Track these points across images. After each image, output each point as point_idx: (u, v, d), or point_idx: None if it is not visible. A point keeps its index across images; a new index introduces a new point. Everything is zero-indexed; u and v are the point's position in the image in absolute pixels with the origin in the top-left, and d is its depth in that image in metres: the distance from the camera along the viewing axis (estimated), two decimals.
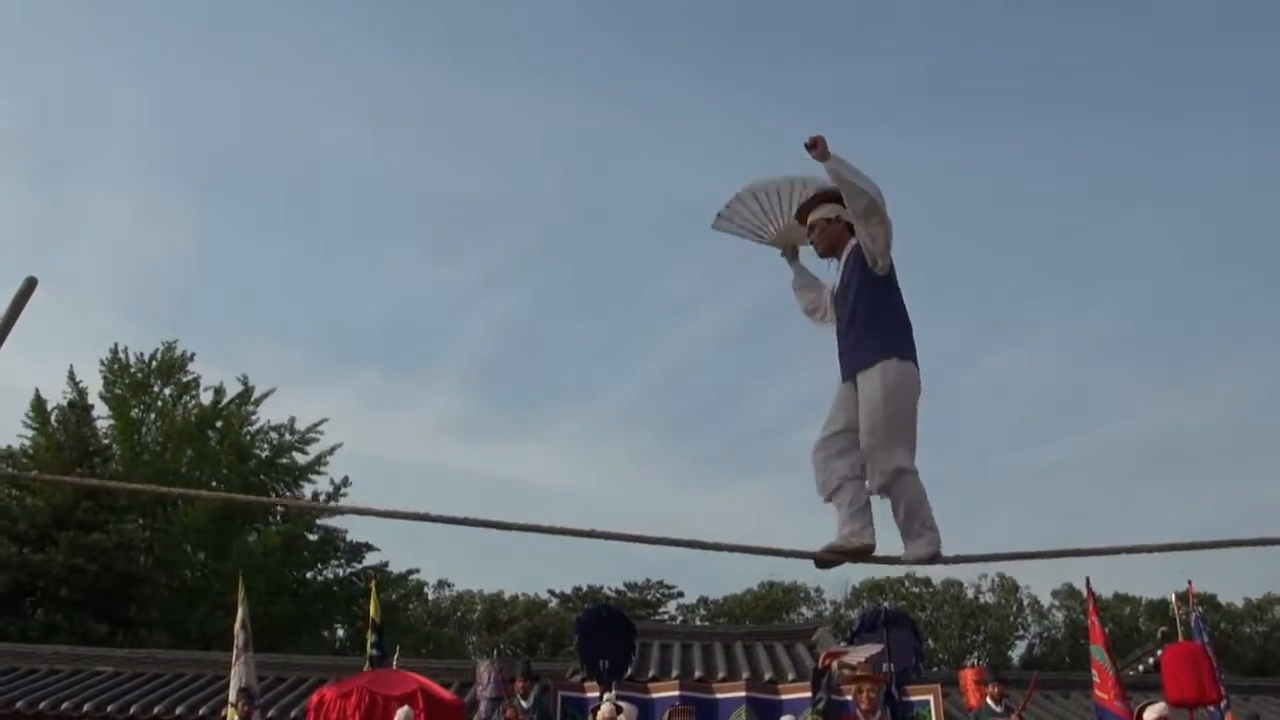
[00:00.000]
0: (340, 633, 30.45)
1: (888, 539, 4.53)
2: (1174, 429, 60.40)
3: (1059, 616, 44.99)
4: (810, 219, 4.85)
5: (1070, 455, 61.32)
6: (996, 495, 59.85)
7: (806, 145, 4.41)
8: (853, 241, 4.71)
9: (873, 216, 4.52)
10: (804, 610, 46.27)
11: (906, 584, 46.02)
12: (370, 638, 14.08)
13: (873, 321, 4.58)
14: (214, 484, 27.15)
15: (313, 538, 28.35)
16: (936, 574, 45.74)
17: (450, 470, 56.60)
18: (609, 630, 13.04)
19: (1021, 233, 64.43)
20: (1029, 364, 63.74)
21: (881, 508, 4.57)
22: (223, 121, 58.62)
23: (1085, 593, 13.51)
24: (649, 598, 44.70)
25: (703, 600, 46.58)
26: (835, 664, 10.07)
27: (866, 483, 4.56)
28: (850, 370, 4.64)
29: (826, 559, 4.50)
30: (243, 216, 61.72)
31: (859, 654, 9.98)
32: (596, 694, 12.40)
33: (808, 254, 5.02)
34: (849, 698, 9.16)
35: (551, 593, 44.61)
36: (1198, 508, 56.89)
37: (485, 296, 66.83)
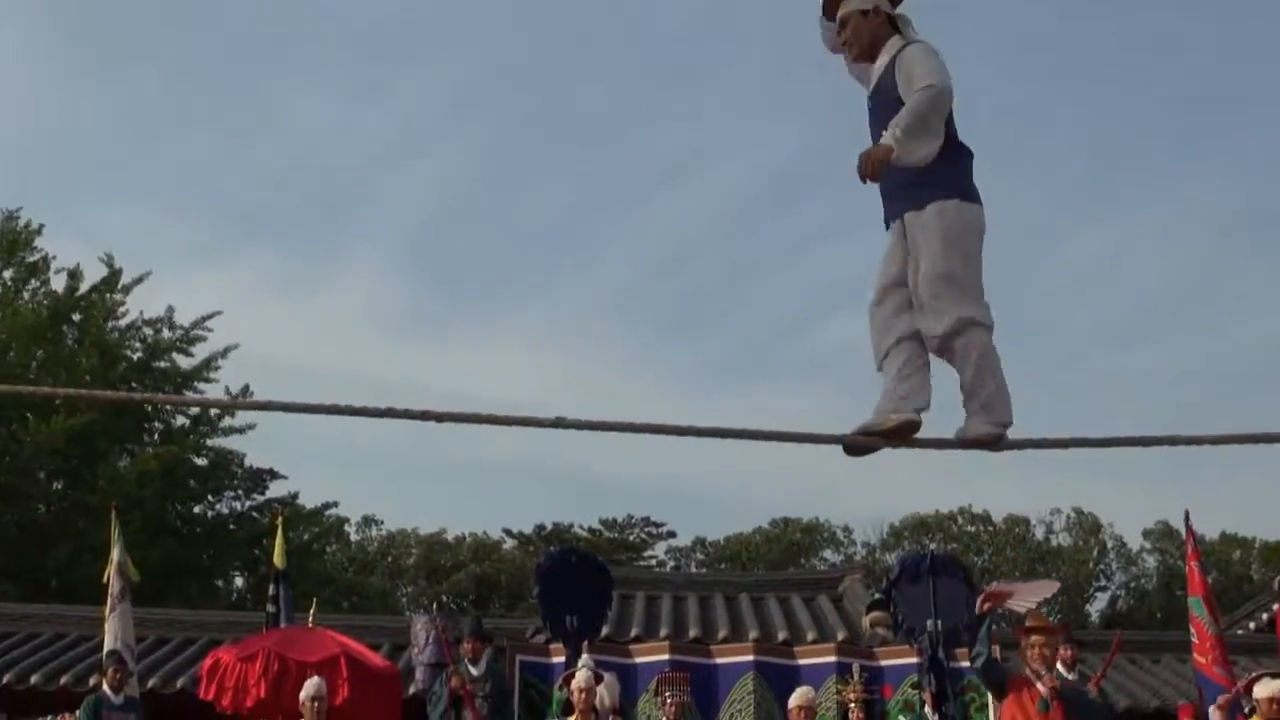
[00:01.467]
0: (239, 582, 30.77)
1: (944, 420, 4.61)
2: None
3: (1150, 562, 45.74)
4: (841, 12, 4.82)
5: (1180, 359, 61.89)
6: (1080, 407, 60.34)
7: (861, 176, 4.48)
8: (898, 43, 4.71)
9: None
10: (827, 554, 46.98)
11: (960, 521, 46.64)
12: (271, 589, 14.26)
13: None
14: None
15: (201, 462, 28.39)
16: (998, 508, 46.38)
17: (378, 379, 56.76)
18: (580, 578, 13.21)
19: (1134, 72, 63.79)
20: (1134, 242, 63.86)
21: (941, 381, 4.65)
22: None
23: (1184, 532, 13.69)
24: (631, 538, 45.26)
25: (699, 542, 47.23)
26: (1000, 607, 10.11)
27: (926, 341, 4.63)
28: (897, 211, 4.69)
29: (858, 443, 4.54)
30: (106, 49, 60.88)
31: (1029, 594, 10.00)
32: (564, 658, 12.60)
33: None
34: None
35: (507, 532, 45.15)
36: None
37: (418, 147, 66.52)
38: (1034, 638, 8.55)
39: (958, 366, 4.56)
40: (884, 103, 4.64)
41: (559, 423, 4.26)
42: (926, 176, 4.55)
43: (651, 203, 68.18)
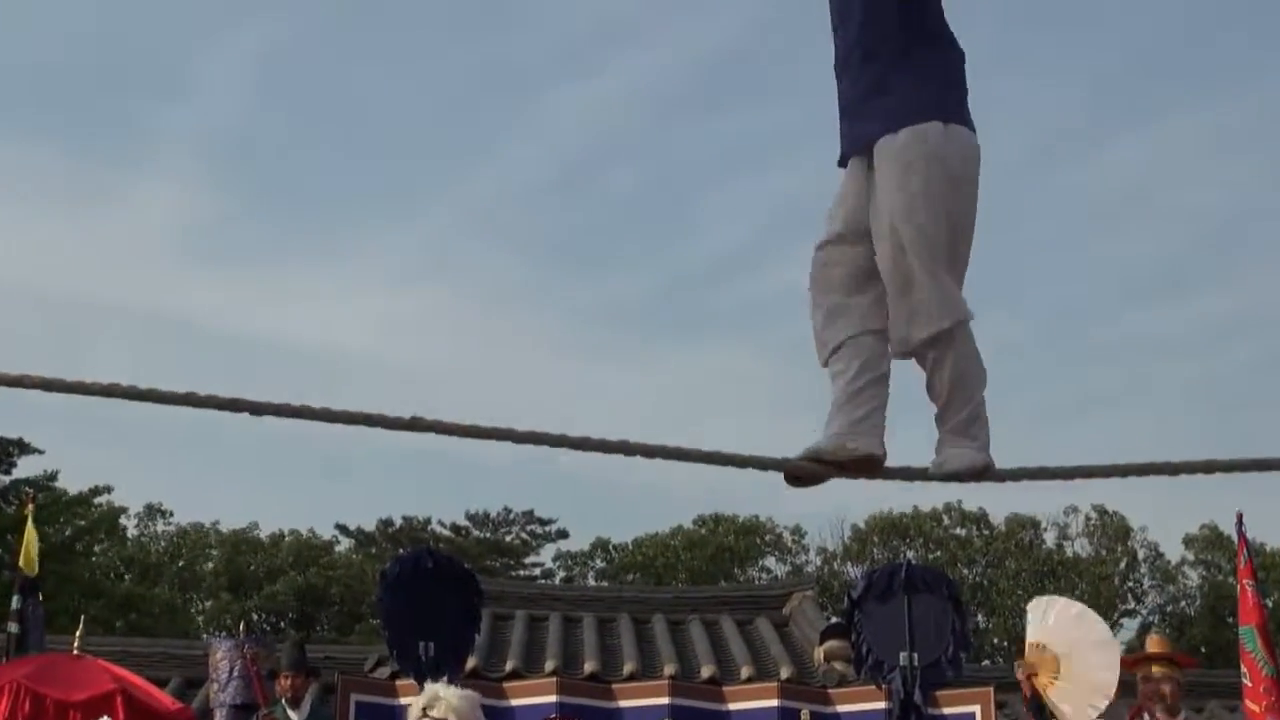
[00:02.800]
0: None
1: (909, 441, 4.69)
2: None
3: (1193, 579, 46.52)
4: None
5: (1217, 318, 62.89)
6: (1095, 384, 61.04)
7: None
8: None
9: None
10: (770, 563, 47.40)
11: (946, 521, 47.08)
12: (15, 602, 14.06)
13: (898, 62, 4.64)
14: None
15: None
16: (997, 506, 46.91)
17: (173, 320, 56.21)
18: (437, 591, 13.21)
19: None
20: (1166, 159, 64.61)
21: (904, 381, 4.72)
22: None
23: (1236, 541, 13.90)
24: (509, 539, 45.40)
25: (600, 545, 47.42)
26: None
27: (889, 342, 4.68)
28: (859, 141, 4.72)
29: (804, 471, 4.62)
30: None
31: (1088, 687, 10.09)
32: (415, 698, 12.62)
33: None
34: None
35: (342, 529, 45.11)
36: None
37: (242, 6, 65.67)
38: (1155, 669, 8.75)
39: (932, 375, 4.64)
40: (849, 5, 4.71)
41: (414, 424, 4.27)
42: (904, 90, 4.59)
43: (545, 99, 67.88)
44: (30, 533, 14.33)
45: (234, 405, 4.20)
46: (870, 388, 4.63)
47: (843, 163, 4.79)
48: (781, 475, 4.62)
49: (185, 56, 65.93)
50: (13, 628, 13.77)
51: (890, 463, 4.64)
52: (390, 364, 60.22)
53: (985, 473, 4.59)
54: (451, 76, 67.95)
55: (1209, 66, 67.50)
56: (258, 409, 4.25)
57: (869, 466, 4.60)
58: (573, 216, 67.85)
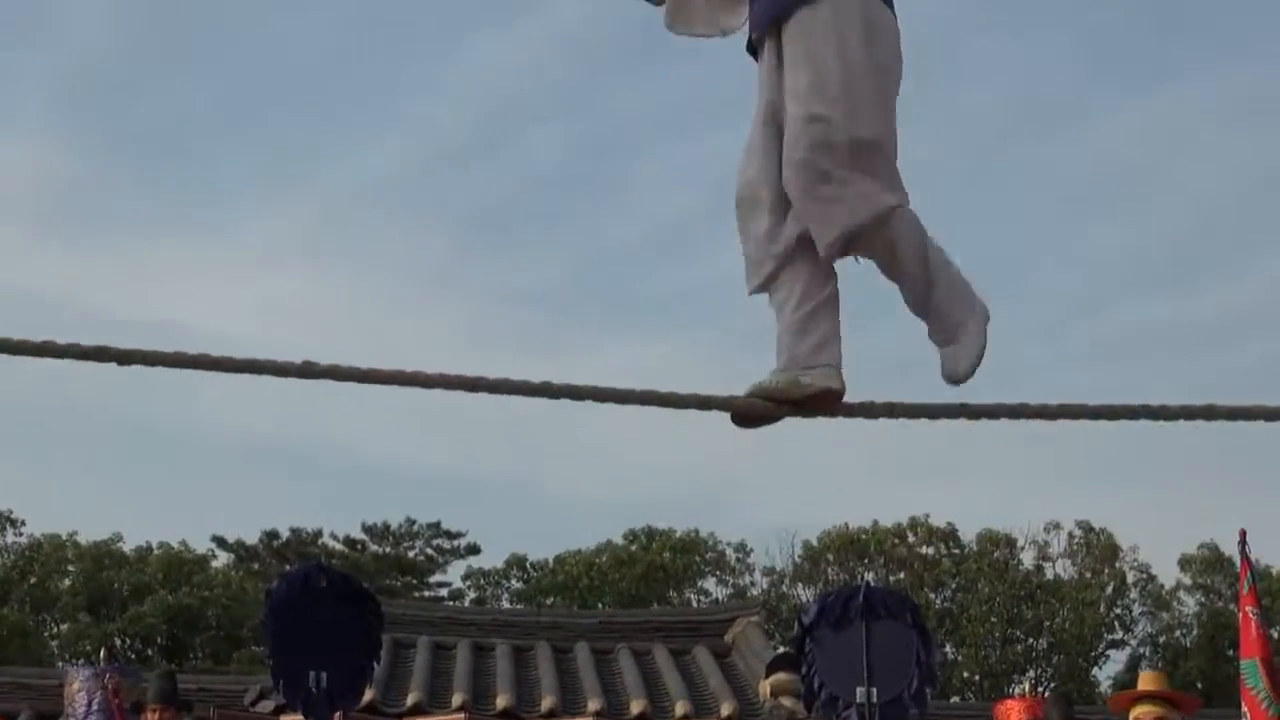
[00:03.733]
0: None
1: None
2: None
3: (1190, 605, 46.95)
4: None
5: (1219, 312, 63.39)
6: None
7: None
8: None
9: None
10: (709, 585, 47.53)
11: (910, 538, 47.27)
12: None
13: None
14: None
15: None
16: (968, 520, 47.11)
17: (33, 293, 55.72)
18: (330, 614, 13.21)
19: None
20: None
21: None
22: None
23: (1238, 562, 13.99)
24: (412, 554, 45.39)
25: (517, 562, 47.48)
26: None
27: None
28: (766, 20, 4.77)
29: (753, 410, 4.65)
30: None
31: None
32: None
33: None
34: None
35: (219, 542, 44.95)
36: None
37: None
38: (1148, 709, 8.87)
39: (886, 271, 4.71)
40: None
41: (307, 370, 4.25)
42: None
43: (457, 50, 67.69)
44: None
45: (99, 354, 4.13)
46: (820, 311, 4.68)
47: (752, 50, 4.86)
48: (729, 418, 4.65)
49: None
50: None
51: (850, 398, 4.64)
52: (255, 346, 59.57)
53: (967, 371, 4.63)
54: (347, 20, 67.50)
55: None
56: (126, 357, 4.18)
57: (826, 402, 4.62)
58: (478, 190, 67.58)
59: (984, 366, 4.62)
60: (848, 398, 4.65)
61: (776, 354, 4.66)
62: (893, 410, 4.61)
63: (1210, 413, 4.55)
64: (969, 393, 4.62)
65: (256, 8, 67.13)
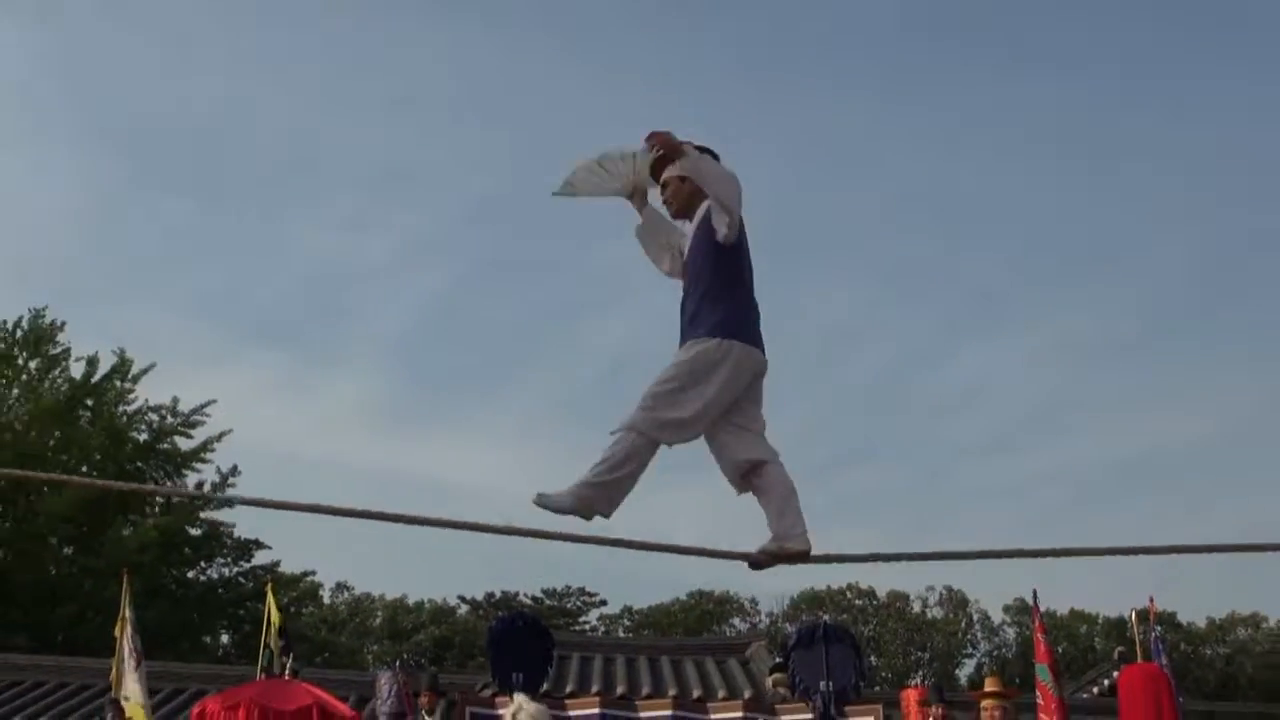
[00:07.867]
0: (225, 639, 30.08)
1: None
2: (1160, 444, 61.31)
3: (1010, 634, 45.94)
4: (664, 176, 4.92)
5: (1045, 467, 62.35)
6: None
7: (649, 142, 4.69)
8: (706, 204, 4.78)
9: (726, 209, 4.65)
10: (736, 622, 46.70)
11: (849, 595, 46.67)
12: (278, 643, 13.68)
13: (711, 295, 4.68)
14: (84, 470, 26.60)
15: (195, 533, 27.90)
16: (881, 584, 46.53)
17: (358, 467, 56.05)
18: (524, 640, 13.04)
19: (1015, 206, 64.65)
20: (1013, 362, 64.59)
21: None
22: (126, 78, 57.44)
23: (1033, 608, 13.68)
24: (569, 606, 44.79)
25: (627, 610, 46.85)
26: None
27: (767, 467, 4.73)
28: (685, 340, 4.77)
29: (761, 561, 4.66)
30: (141, 176, 60.61)
31: None
32: (507, 709, 12.42)
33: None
34: None
35: (462, 599, 44.58)
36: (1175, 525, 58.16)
37: (407, 270, 66.34)
38: (986, 702, 8.66)
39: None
40: (694, 255, 4.77)
41: (511, 530, 4.38)
42: (709, 316, 4.69)
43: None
44: (273, 598, 14.13)
45: (382, 516, 4.29)
46: (789, 499, 4.66)
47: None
48: (747, 565, 4.70)
49: (370, 297, 65.80)
50: (292, 664, 13.17)
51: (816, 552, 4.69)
52: (499, 492, 59.33)
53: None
54: (533, 309, 67.65)
55: None
56: (404, 520, 4.37)
57: (802, 557, 4.64)
58: (623, 391, 67.64)
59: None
60: (813, 552, 4.68)
61: (768, 526, 4.67)
62: (829, 559, 4.84)
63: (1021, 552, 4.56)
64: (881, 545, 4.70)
65: (481, 302, 67.54)
